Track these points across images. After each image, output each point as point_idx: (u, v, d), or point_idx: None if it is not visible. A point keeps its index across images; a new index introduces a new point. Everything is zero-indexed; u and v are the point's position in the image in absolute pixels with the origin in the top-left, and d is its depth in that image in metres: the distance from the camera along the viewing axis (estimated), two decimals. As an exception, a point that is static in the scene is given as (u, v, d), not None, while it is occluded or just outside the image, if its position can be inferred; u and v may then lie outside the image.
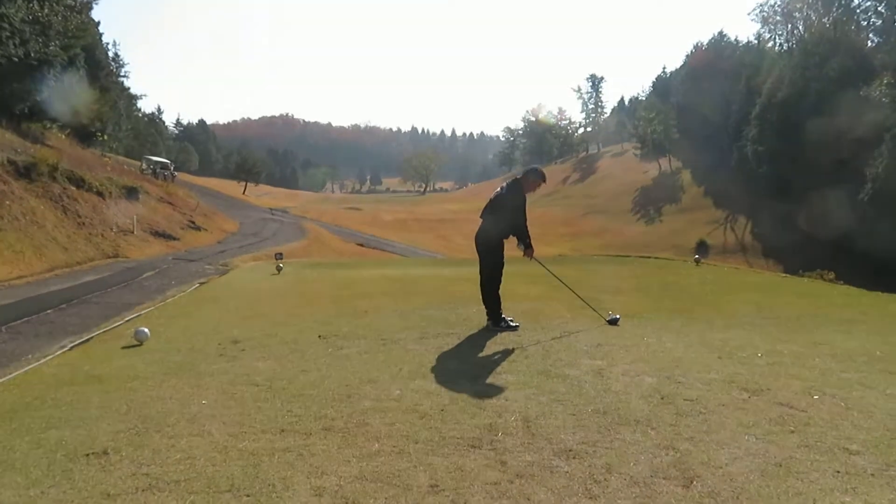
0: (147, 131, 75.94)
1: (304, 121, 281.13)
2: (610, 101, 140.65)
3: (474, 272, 6.16)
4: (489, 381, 4.08)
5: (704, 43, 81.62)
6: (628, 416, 3.31)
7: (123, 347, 5.37)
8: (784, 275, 16.42)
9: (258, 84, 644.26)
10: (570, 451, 2.85)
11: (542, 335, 5.50)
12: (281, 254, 16.04)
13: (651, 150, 79.03)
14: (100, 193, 22.32)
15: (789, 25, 65.84)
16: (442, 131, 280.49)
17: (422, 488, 2.49)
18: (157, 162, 44.25)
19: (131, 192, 25.71)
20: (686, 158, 74.86)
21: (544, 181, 6.07)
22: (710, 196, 63.19)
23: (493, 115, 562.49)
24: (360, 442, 2.99)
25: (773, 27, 68.36)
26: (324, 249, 31.95)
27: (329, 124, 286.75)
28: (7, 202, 15.92)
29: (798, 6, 62.59)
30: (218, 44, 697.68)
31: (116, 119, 42.25)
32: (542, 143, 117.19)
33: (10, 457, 2.87)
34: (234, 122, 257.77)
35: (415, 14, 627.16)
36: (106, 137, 38.61)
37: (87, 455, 2.86)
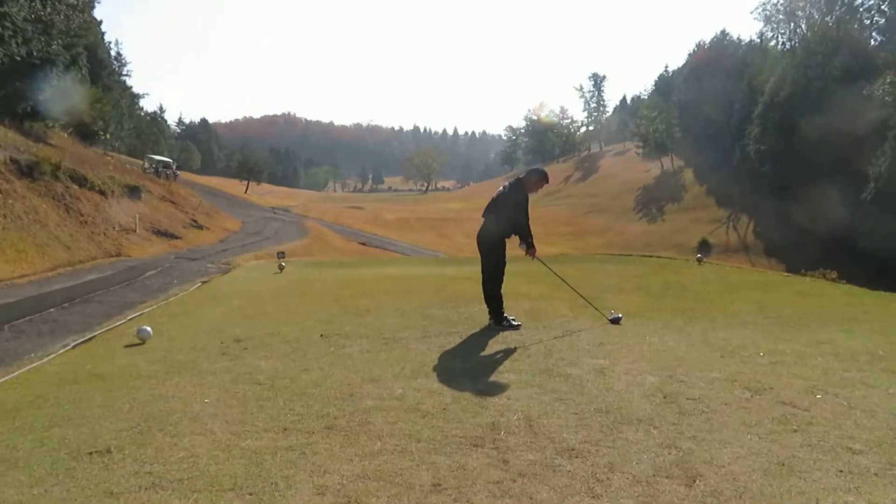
0: (149, 130, 76.05)
1: (306, 119, 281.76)
2: (612, 100, 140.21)
3: (476, 271, 6.15)
4: (491, 379, 4.08)
5: (707, 42, 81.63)
6: (631, 415, 3.31)
7: (126, 346, 5.38)
8: (786, 274, 16.40)
9: (260, 83, 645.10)
10: (573, 450, 2.85)
11: (544, 334, 5.50)
12: (283, 253, 16.07)
13: (653, 149, 78.92)
14: (102, 192, 22.34)
15: (792, 24, 65.78)
16: (444, 130, 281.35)
17: (424, 487, 2.49)
18: (159, 161, 44.24)
19: (133, 191, 25.72)
20: (688, 157, 74.76)
21: (547, 182, 6.06)
22: (713, 195, 63.09)
23: (495, 114, 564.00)
24: (363, 441, 2.99)
25: (775, 26, 68.32)
26: (326, 248, 31.96)
27: (331, 123, 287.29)
28: (10, 201, 15.94)
29: (801, 5, 62.50)
30: (220, 43, 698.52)
31: (119, 118, 42.36)
32: (544, 142, 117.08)
33: (14, 455, 2.87)
34: (237, 120, 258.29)
35: (417, 13, 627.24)
36: (108, 136, 38.69)
37: (90, 453, 2.86)
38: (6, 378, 4.37)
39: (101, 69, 42.79)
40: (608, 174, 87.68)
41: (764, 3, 67.16)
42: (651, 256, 20.13)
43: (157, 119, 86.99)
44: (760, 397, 3.61)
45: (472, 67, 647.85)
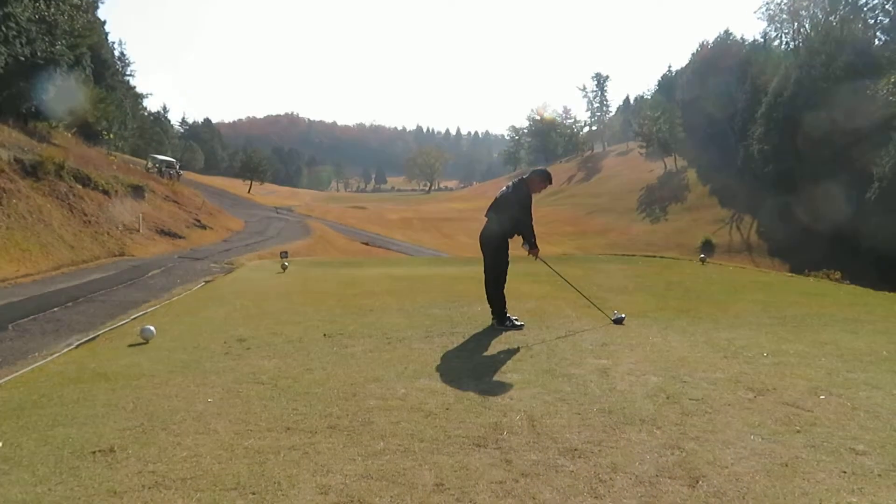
0: (153, 130, 76.35)
1: (309, 119, 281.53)
2: (615, 100, 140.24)
3: (479, 271, 6.15)
4: (494, 379, 4.08)
5: (710, 41, 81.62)
6: (633, 415, 3.31)
7: (129, 345, 5.39)
8: (790, 274, 16.34)
9: (263, 83, 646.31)
10: (576, 450, 2.85)
11: (547, 334, 5.50)
12: (286, 252, 16.10)
13: (656, 149, 78.89)
14: (106, 192, 22.40)
15: (795, 24, 65.64)
16: (447, 130, 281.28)
17: (427, 487, 2.49)
18: (162, 160, 44.38)
19: (137, 191, 25.79)
20: (691, 157, 74.69)
21: (550, 182, 6.05)
22: (716, 195, 63.03)
23: (499, 114, 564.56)
24: (366, 440, 2.99)
25: (779, 25, 68.20)
26: (328, 248, 31.99)
27: (334, 123, 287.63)
28: (14, 201, 15.99)
29: (804, 4, 62.38)
30: (223, 43, 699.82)
31: (122, 118, 42.39)
32: (547, 141, 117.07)
33: (18, 454, 2.88)
34: (240, 120, 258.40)
35: (420, 13, 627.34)
36: (112, 136, 38.76)
37: (94, 452, 2.87)
38: (10, 377, 4.38)
39: (105, 69, 42.98)
40: (611, 174, 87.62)
41: (767, 3, 66.95)
42: (654, 257, 20.09)
43: (160, 119, 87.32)
44: (764, 398, 3.60)
45: (475, 67, 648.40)
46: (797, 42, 63.96)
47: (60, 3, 25.82)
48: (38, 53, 24.14)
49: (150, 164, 42.37)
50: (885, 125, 38.14)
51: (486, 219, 5.98)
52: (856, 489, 2.44)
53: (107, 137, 37.76)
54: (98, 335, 6.06)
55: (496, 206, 5.92)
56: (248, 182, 79.96)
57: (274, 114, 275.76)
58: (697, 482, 2.51)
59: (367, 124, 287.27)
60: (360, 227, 50.83)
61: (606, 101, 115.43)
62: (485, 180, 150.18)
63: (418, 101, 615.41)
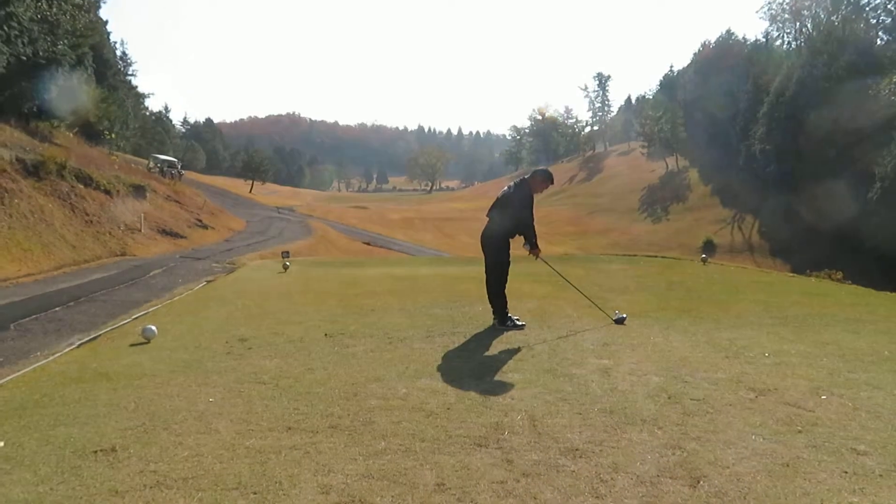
0: (154, 130, 76.41)
1: (310, 119, 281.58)
2: (617, 100, 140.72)
3: (480, 271, 6.15)
4: (495, 379, 4.08)
5: (712, 41, 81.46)
6: (635, 415, 3.30)
7: (131, 345, 5.39)
8: (791, 274, 16.31)
9: (265, 83, 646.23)
10: (577, 450, 2.85)
11: (549, 334, 5.50)
12: (287, 252, 16.08)
13: (658, 149, 78.88)
14: (107, 192, 22.42)
15: (797, 23, 65.56)
16: (448, 130, 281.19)
17: (428, 486, 2.49)
18: (164, 160, 44.40)
19: (139, 191, 25.81)
20: (693, 157, 74.63)
21: (552, 183, 6.03)
22: (718, 195, 63.00)
23: (500, 114, 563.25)
24: (367, 440, 2.99)
25: (781, 25, 68.13)
26: (330, 248, 32.00)
27: (335, 123, 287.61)
28: (16, 200, 16.02)
29: (806, 4, 62.31)
30: (225, 43, 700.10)
31: (124, 118, 42.45)
32: (548, 141, 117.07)
33: (19, 453, 2.89)
34: (241, 120, 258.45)
35: (421, 12, 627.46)
36: (113, 136, 38.79)
37: (95, 452, 2.87)
38: (12, 377, 4.38)
39: (107, 69, 43.02)
40: (613, 174, 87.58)
41: (769, 3, 66.85)
42: (655, 256, 20.06)
43: (162, 119, 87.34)
44: (765, 398, 3.60)
45: (476, 67, 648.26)
46: (799, 42, 63.91)
47: (62, 3, 25.83)
48: (41, 53, 24.17)
49: (151, 164, 42.37)
50: (887, 125, 38.10)
51: (488, 219, 5.99)
52: (857, 489, 2.44)
53: (108, 137, 37.80)
54: (100, 335, 6.07)
55: (498, 206, 5.92)
56: (250, 182, 79.98)
57: (276, 114, 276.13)
58: (699, 482, 2.51)
59: (369, 124, 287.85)
60: (361, 227, 50.84)
61: (608, 100, 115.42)
62: (486, 180, 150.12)
63: (420, 101, 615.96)
